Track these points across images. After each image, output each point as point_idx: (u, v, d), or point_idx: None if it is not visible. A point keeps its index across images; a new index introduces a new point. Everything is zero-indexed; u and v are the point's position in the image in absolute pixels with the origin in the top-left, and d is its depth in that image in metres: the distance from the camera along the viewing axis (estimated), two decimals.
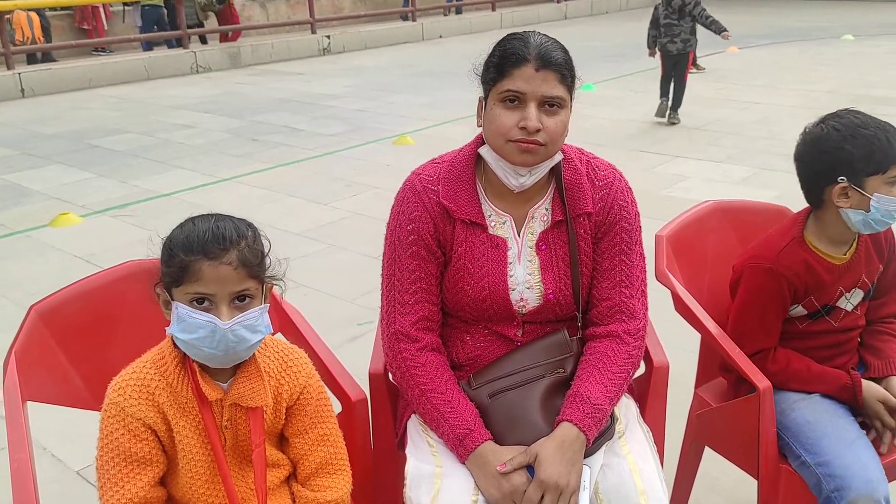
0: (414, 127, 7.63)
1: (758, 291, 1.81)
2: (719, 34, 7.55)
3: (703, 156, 6.34)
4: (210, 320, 1.32)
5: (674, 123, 7.48)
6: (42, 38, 11.28)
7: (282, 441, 1.57)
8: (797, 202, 1.88)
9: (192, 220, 1.41)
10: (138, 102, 9.37)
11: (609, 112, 8.03)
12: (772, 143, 6.62)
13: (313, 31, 13.56)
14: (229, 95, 9.70)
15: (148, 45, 12.28)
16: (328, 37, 13.45)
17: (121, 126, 8.04)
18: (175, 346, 1.42)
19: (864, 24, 15.08)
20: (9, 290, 4.11)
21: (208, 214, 1.42)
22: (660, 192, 5.42)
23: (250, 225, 1.44)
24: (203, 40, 12.85)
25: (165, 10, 12.40)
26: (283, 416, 1.52)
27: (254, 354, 1.45)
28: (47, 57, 11.34)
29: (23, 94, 9.84)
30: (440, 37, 15.15)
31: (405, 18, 15.76)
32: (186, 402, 1.41)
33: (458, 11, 16.65)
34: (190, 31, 12.02)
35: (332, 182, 5.92)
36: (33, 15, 11.14)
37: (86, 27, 12.36)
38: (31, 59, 11.10)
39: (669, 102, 7.56)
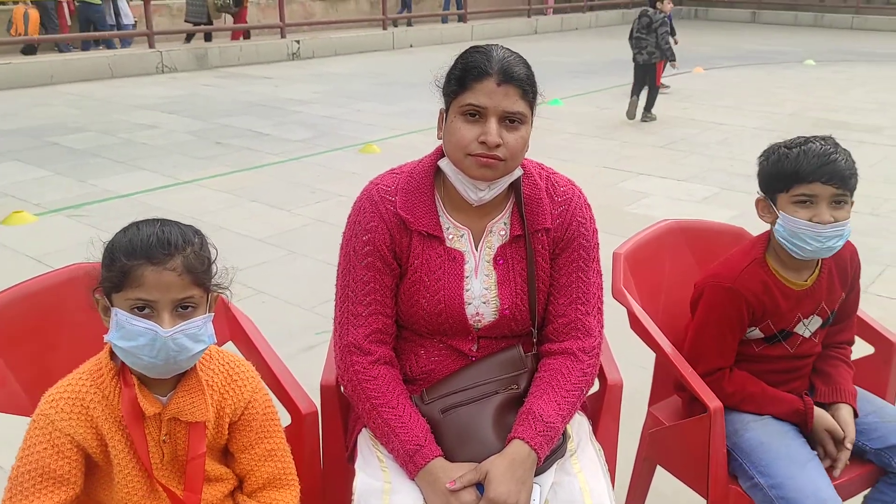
0: (381, 135, 7.60)
1: (717, 310, 1.82)
2: (668, 61, 8.38)
3: (667, 174, 6.41)
4: (150, 327, 1.28)
5: (647, 121, 8.36)
6: (36, 33, 11.11)
7: (226, 455, 1.53)
8: (756, 222, 1.90)
9: (136, 224, 1.37)
10: (101, 101, 9.19)
11: (575, 127, 8.09)
12: (733, 163, 6.72)
13: (283, 36, 13.46)
14: (194, 97, 9.57)
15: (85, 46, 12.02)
16: (298, 42, 13.36)
17: (81, 124, 7.88)
18: (112, 357, 1.38)
19: (826, 51, 15.45)
20: None
21: (154, 219, 1.39)
22: (623, 208, 5.47)
23: (197, 231, 1.41)
24: (208, 38, 12.96)
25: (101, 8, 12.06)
26: (226, 431, 1.48)
27: (195, 367, 1.41)
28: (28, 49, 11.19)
29: None
30: (411, 46, 15.16)
31: (449, 22, 16.17)
32: (122, 416, 1.36)
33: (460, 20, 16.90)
34: (199, 28, 12.48)
35: (296, 188, 5.87)
36: (32, 11, 10.92)
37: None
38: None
39: (642, 103, 8.39)
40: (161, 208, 5.23)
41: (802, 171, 1.70)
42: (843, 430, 1.78)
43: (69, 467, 1.33)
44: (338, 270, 1.69)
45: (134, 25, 12.48)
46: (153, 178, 6.04)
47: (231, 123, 8.07)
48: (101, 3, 11.85)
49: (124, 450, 1.36)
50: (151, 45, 11.64)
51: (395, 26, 15.80)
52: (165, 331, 1.29)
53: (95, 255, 1.38)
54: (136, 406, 1.35)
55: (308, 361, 3.25)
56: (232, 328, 1.83)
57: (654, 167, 6.59)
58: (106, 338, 1.34)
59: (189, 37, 12.85)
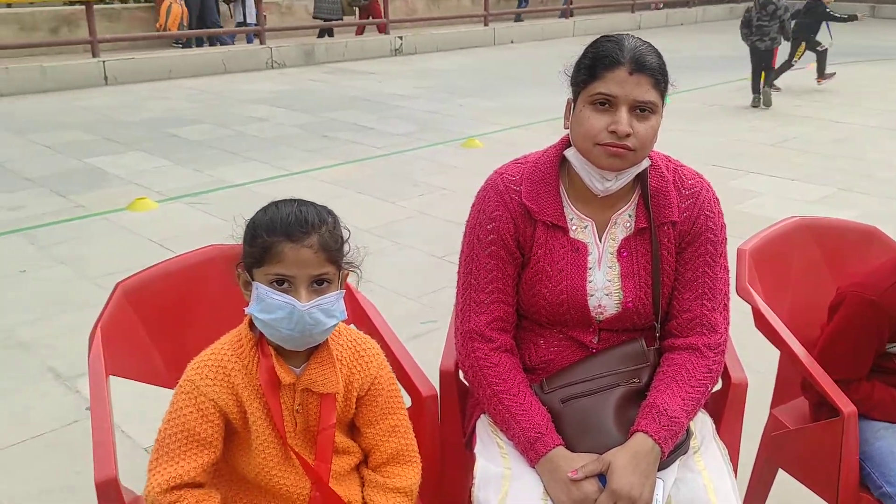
0: (482, 130, 7.63)
1: (857, 320, 1.75)
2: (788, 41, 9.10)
3: (779, 173, 6.17)
4: (288, 301, 1.34)
5: (771, 89, 8.94)
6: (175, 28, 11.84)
7: (352, 430, 1.58)
8: (877, 224, 1.81)
9: (275, 203, 1.44)
10: (215, 94, 9.61)
11: (683, 124, 7.89)
12: (851, 162, 6.40)
13: (386, 32, 13.69)
14: (302, 91, 9.86)
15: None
16: (400, 38, 13.56)
17: (197, 117, 8.26)
18: (252, 328, 1.45)
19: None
20: (85, 268, 4.26)
21: (291, 199, 1.45)
22: (732, 207, 5.29)
23: (331, 212, 1.47)
24: (330, 34, 13.47)
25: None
26: (353, 405, 1.53)
27: (327, 341, 1.47)
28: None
29: (106, 81, 10.19)
30: (511, 42, 15.12)
31: (518, 20, 16.31)
32: (260, 385, 1.43)
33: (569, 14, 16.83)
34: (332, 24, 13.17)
35: (400, 181, 5.96)
36: (175, 6, 11.59)
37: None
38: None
39: (768, 82, 8.83)
40: (272, 197, 5.38)
41: None
42: None
43: (212, 430, 1.41)
44: (460, 258, 1.71)
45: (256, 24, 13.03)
46: (264, 169, 6.26)
47: (337, 117, 8.28)
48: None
49: (261, 416, 1.43)
50: (262, 42, 12.07)
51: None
52: (302, 305, 1.35)
53: (238, 235, 1.45)
54: (273, 374, 1.41)
55: (416, 349, 3.28)
56: (355, 311, 1.89)
57: (765, 166, 6.36)
58: (247, 310, 1.41)
59: (322, 33, 13.40)
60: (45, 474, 2.57)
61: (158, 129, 7.67)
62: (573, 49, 1.60)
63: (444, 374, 1.77)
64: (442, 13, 15.82)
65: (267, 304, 1.36)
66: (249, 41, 12.70)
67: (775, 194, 5.64)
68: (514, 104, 8.95)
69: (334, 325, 1.43)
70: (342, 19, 13.29)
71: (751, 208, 5.29)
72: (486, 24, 15.22)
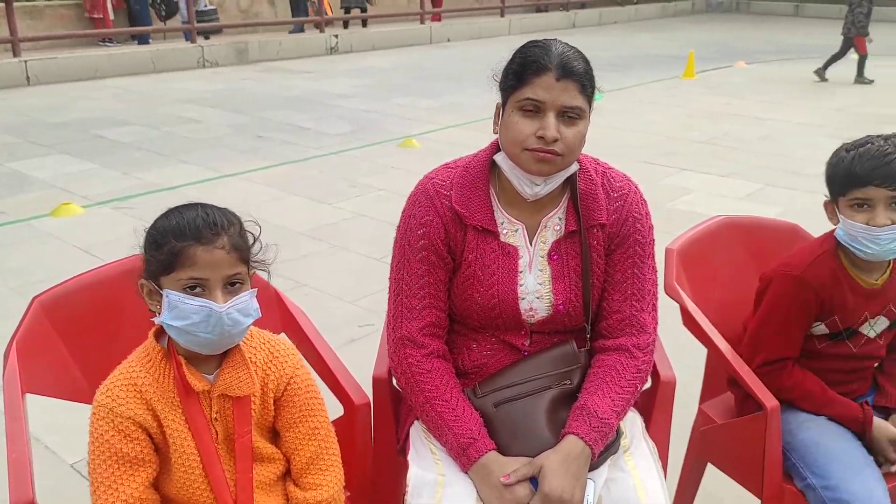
0: (420, 130, 7.62)
1: (784, 298, 1.79)
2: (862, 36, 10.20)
3: (710, 170, 6.32)
4: (205, 304, 1.33)
5: (861, 83, 10.29)
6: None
7: (275, 436, 1.55)
8: (801, 220, 1.87)
9: (176, 209, 1.41)
10: (144, 95, 9.35)
11: (616, 121, 8.02)
12: (777, 159, 6.61)
13: (321, 30, 13.55)
14: (235, 91, 9.68)
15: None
16: (336, 36, 13.44)
17: (126, 118, 8.03)
18: (158, 340, 1.42)
19: (874, 44, 15.07)
20: (8, 278, 4.09)
21: (193, 203, 1.43)
22: (665, 204, 5.41)
23: (234, 213, 1.46)
24: (345, 25, 14.12)
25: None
26: (272, 408, 1.51)
27: (239, 344, 1.45)
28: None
29: (28, 81, 9.82)
30: (448, 40, 15.15)
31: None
32: (174, 396, 1.40)
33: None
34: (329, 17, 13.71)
35: (337, 182, 5.91)
36: None
37: (96, 16, 12.32)
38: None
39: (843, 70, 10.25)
40: (205, 201, 5.30)
41: (856, 175, 1.68)
42: None
43: (140, 447, 1.37)
44: (392, 264, 1.70)
45: (215, 12, 12.79)
46: (197, 171, 6.12)
47: (272, 117, 8.15)
48: None
49: (180, 428, 1.40)
50: (192, 40, 11.80)
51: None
52: (220, 307, 1.33)
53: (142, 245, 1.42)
54: (185, 383, 1.39)
55: (353, 353, 3.25)
56: (284, 319, 1.85)
57: (696, 163, 6.51)
58: (157, 320, 1.37)
59: (346, 23, 14.35)
60: None
61: (84, 130, 7.43)
62: (510, 47, 1.61)
63: (377, 381, 1.75)
64: (378, 11, 15.73)
65: (181, 311, 1.33)
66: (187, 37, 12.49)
67: (706, 191, 5.78)
68: (451, 103, 8.96)
69: (250, 324, 1.42)
70: (366, 10, 14.39)
71: (683, 205, 5.41)
72: (422, 23, 15.20)
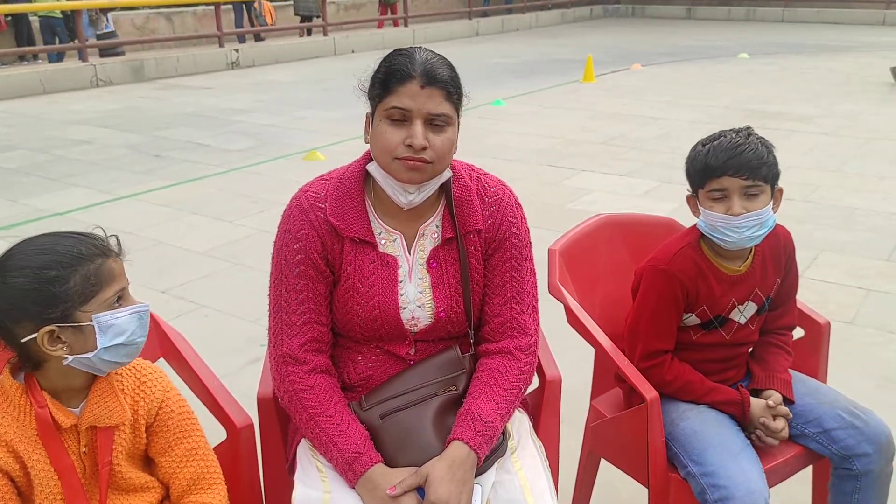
0: (324, 142, 7.55)
1: (653, 292, 1.85)
2: None
3: (609, 170, 6.50)
4: (134, 309, 1.35)
5: None
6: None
7: (149, 463, 1.50)
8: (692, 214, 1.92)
9: (26, 240, 1.35)
10: (32, 117, 8.94)
11: (518, 127, 8.16)
12: (671, 156, 6.85)
13: (221, 45, 13.28)
14: (131, 110, 9.37)
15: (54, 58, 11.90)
16: (237, 50, 13.20)
17: (12, 142, 7.65)
18: (13, 376, 1.34)
19: (759, 44, 15.88)
20: None
21: (34, 237, 1.36)
22: (565, 205, 5.53)
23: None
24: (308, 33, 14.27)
25: (62, 21, 12.02)
26: (143, 435, 1.46)
27: (106, 374, 1.40)
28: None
29: None
30: (352, 52, 15.10)
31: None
32: (36, 434, 1.33)
33: None
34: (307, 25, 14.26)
35: (238, 199, 5.78)
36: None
37: None
38: None
39: None
40: (97, 225, 5.09)
41: (711, 167, 1.76)
42: (773, 404, 1.82)
43: (0, 495, 1.29)
44: (270, 280, 1.67)
45: (115, 34, 12.40)
46: (89, 195, 5.89)
47: (170, 136, 7.93)
48: (60, 16, 11.71)
49: (44, 468, 1.33)
50: (84, 59, 11.37)
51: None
52: (144, 303, 1.38)
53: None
54: (49, 420, 1.33)
55: (255, 374, 3.19)
56: (163, 344, 1.79)
57: (596, 164, 6.68)
58: (90, 354, 1.31)
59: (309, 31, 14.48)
60: None
61: None
62: None
63: (262, 402, 1.72)
64: (278, 24, 15.54)
65: (118, 326, 1.32)
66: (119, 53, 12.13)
67: (606, 190, 5.94)
68: (355, 114, 8.81)
69: None
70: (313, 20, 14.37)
71: (584, 205, 5.54)
72: (325, 34, 15.10)
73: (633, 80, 11.35)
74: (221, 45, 13.24)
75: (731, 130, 1.80)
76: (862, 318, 3.69)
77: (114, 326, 1.31)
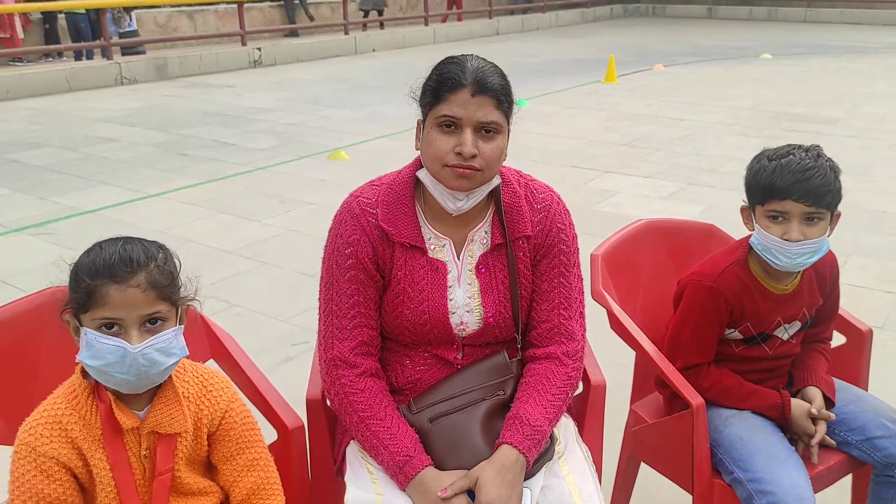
0: (348, 142, 7.58)
1: (696, 308, 1.85)
2: None
3: (634, 171, 6.48)
4: (119, 345, 1.29)
5: None
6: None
7: (211, 469, 1.53)
8: (721, 216, 1.93)
9: (99, 244, 1.37)
10: (59, 115, 9.04)
11: (541, 128, 8.15)
12: (696, 158, 6.83)
13: (244, 44, 13.36)
14: (156, 108, 9.45)
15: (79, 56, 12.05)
16: (259, 49, 13.27)
17: (40, 140, 7.74)
18: (85, 376, 1.38)
19: (781, 44, 15.76)
20: None
21: (117, 238, 1.39)
22: (591, 207, 5.52)
23: (162, 246, 1.41)
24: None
25: (87, 19, 12.14)
26: (206, 443, 1.48)
27: (171, 379, 1.42)
28: None
29: None
30: (373, 50, 15.14)
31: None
32: (101, 434, 1.36)
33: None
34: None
35: (265, 198, 5.83)
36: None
37: (3, 35, 11.87)
38: None
39: None
40: (128, 223, 5.17)
41: (776, 187, 1.70)
42: (816, 411, 1.81)
43: (63, 489, 1.33)
44: (320, 284, 1.69)
45: (137, 33, 12.52)
46: (118, 193, 5.95)
47: (195, 134, 7.99)
48: (84, 12, 11.84)
49: (105, 467, 1.36)
50: (109, 57, 11.48)
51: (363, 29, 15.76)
52: (134, 347, 1.29)
53: (61, 278, 1.38)
54: (113, 421, 1.35)
55: (288, 373, 3.24)
56: (212, 345, 1.82)
57: (620, 165, 6.67)
58: (77, 357, 1.34)
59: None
60: None
61: None
62: (434, 56, 1.62)
63: (310, 403, 1.74)
64: (300, 22, 15.59)
65: (97, 350, 1.30)
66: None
67: (631, 192, 5.93)
68: (378, 113, 8.95)
69: (175, 364, 1.38)
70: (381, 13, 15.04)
71: (611, 207, 5.53)
72: (346, 33, 15.15)
73: (656, 80, 11.31)
74: (244, 44, 13.31)
75: (800, 148, 1.73)
76: (892, 323, 3.66)
77: (93, 348, 1.30)
